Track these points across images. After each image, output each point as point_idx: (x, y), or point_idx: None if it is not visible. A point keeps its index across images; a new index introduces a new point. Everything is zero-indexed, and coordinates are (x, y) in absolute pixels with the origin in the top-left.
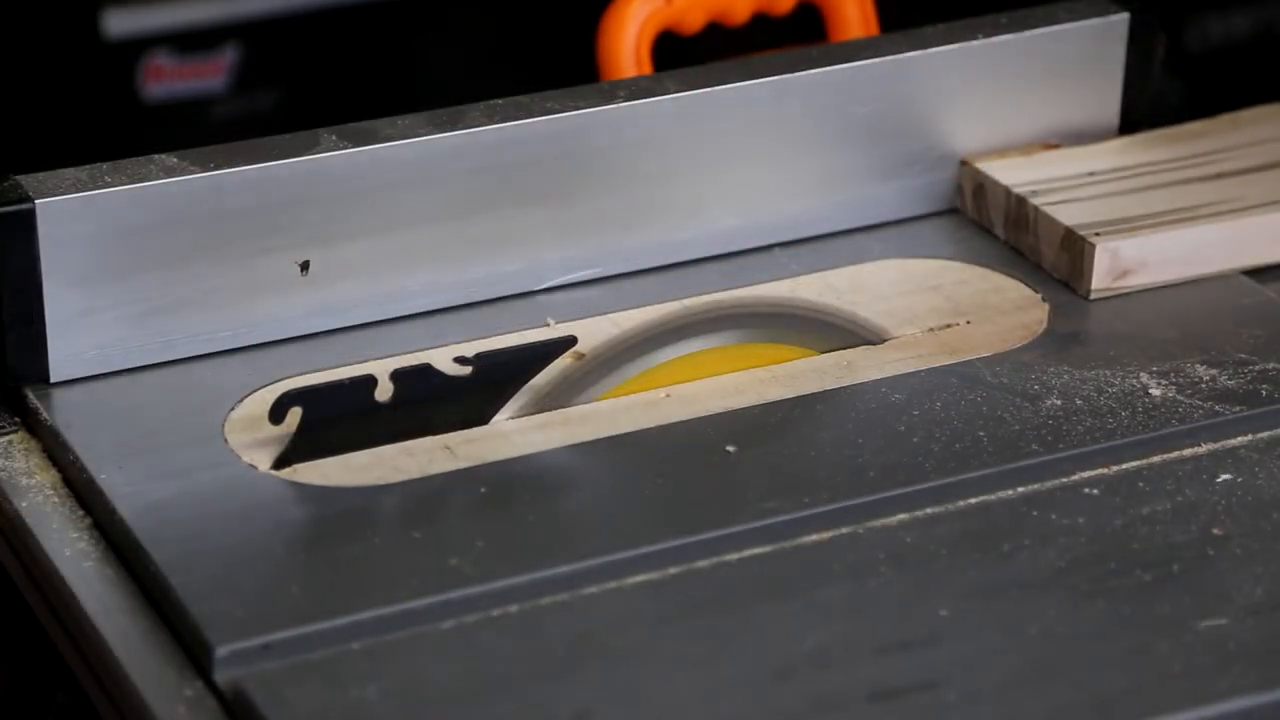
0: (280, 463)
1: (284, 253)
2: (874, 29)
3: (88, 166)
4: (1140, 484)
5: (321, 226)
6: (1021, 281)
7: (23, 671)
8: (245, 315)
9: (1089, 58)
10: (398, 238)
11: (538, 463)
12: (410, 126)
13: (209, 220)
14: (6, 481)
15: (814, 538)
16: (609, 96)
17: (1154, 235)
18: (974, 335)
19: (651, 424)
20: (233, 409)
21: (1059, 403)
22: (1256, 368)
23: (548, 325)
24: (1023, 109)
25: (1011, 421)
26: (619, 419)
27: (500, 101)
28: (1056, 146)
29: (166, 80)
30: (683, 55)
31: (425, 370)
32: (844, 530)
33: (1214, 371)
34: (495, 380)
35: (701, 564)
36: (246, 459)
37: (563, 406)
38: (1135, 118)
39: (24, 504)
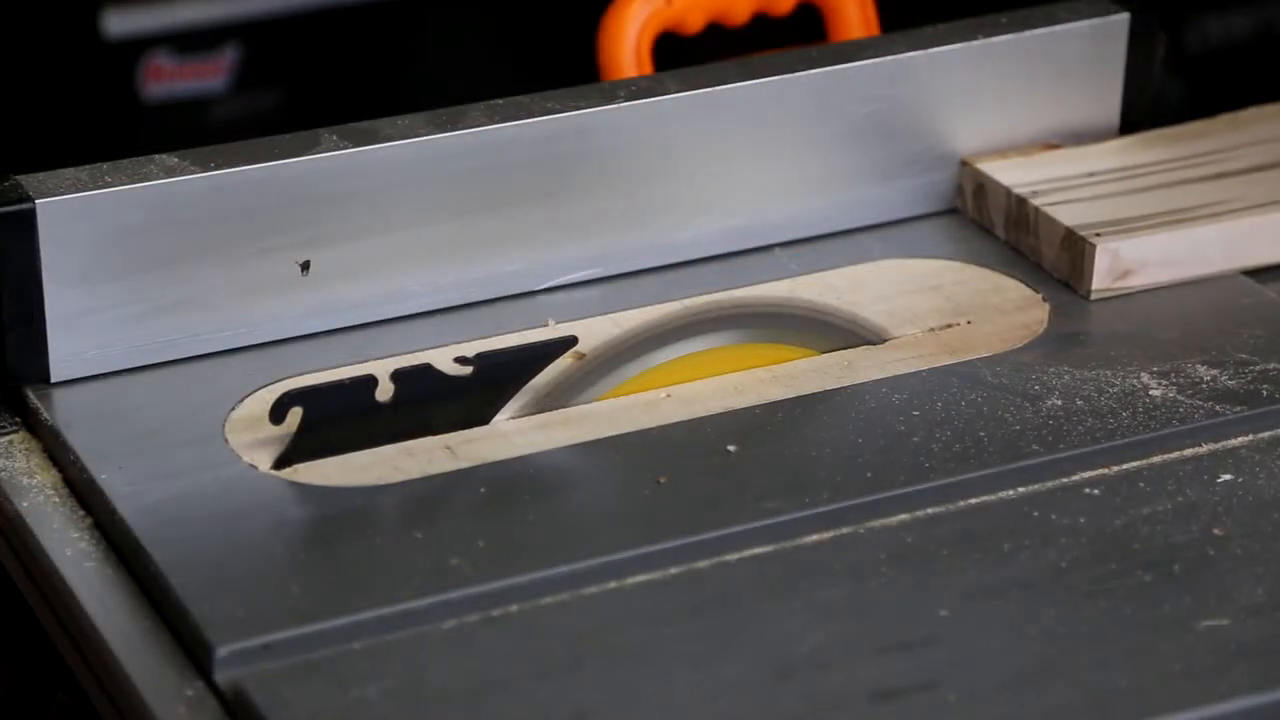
0: (281, 463)
1: (284, 253)
2: (874, 29)
3: (88, 166)
4: (1141, 484)
5: (321, 226)
6: (1022, 281)
7: (23, 671)
8: (245, 315)
9: (1089, 58)
10: (398, 238)
11: (538, 463)
12: (410, 126)
13: (209, 220)
14: (7, 481)
15: (814, 538)
16: (609, 96)
17: (1154, 235)
18: (974, 335)
19: (651, 424)
20: (233, 409)
21: (1059, 403)
22: (1257, 368)
23: (547, 325)
24: (1023, 109)
25: (1012, 421)
26: (619, 419)
27: (500, 101)
28: (1057, 147)
29: (166, 80)
30: (683, 55)
31: (426, 370)
32: (844, 530)
33: (1214, 371)
34: (496, 380)
35: (701, 564)
36: (247, 459)
37: (563, 406)
38: (1135, 118)
39: (24, 504)
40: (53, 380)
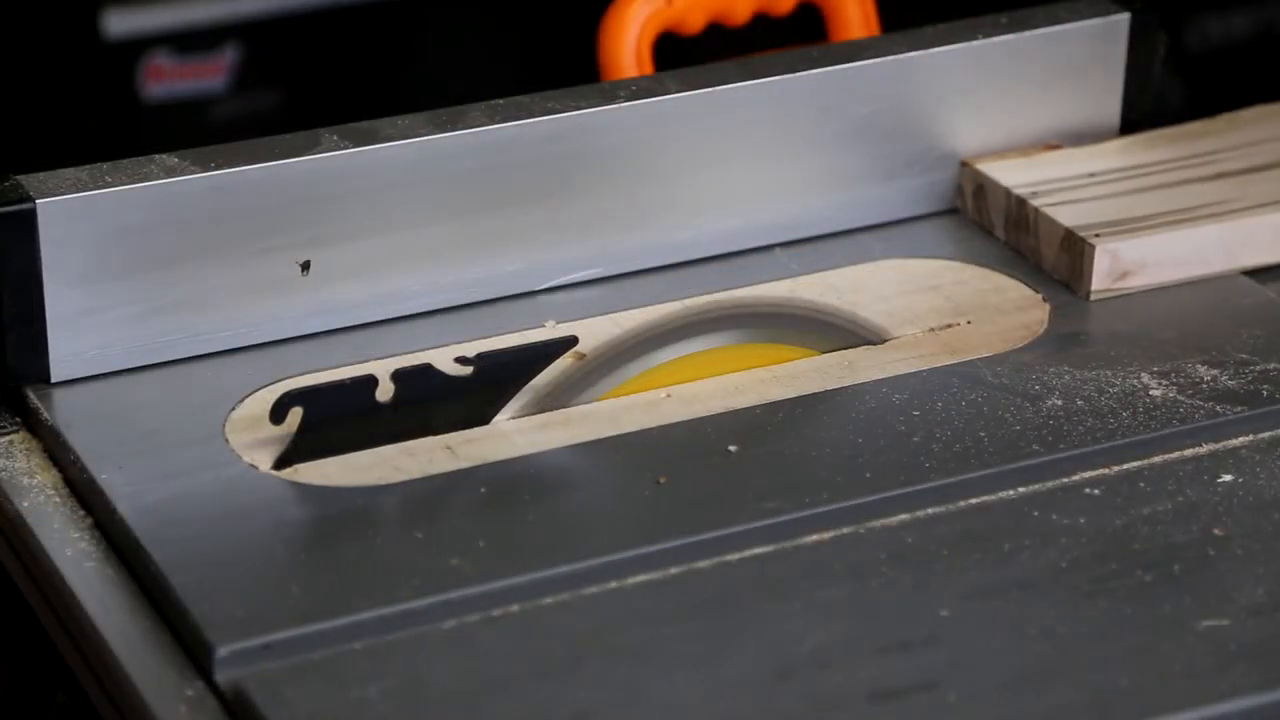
0: (281, 463)
1: (284, 253)
2: (874, 29)
3: (88, 166)
4: (1141, 484)
5: (321, 226)
6: (1022, 281)
7: (23, 671)
8: (245, 315)
9: (1089, 58)
10: (398, 238)
11: (538, 463)
12: (410, 126)
13: (209, 220)
14: (7, 481)
15: (815, 538)
16: (609, 96)
17: (1154, 236)
18: (974, 335)
19: (652, 424)
20: (233, 409)
21: (1060, 403)
22: (1257, 368)
23: (547, 326)
24: (1023, 109)
25: (1012, 421)
26: (619, 419)
27: (500, 101)
28: (1057, 147)
29: (166, 80)
30: (683, 55)
31: (426, 370)
32: (845, 530)
33: (1214, 372)
34: (496, 380)
35: (702, 564)
36: (247, 459)
37: (563, 406)
38: (1135, 118)
39: (25, 504)
40: (53, 380)
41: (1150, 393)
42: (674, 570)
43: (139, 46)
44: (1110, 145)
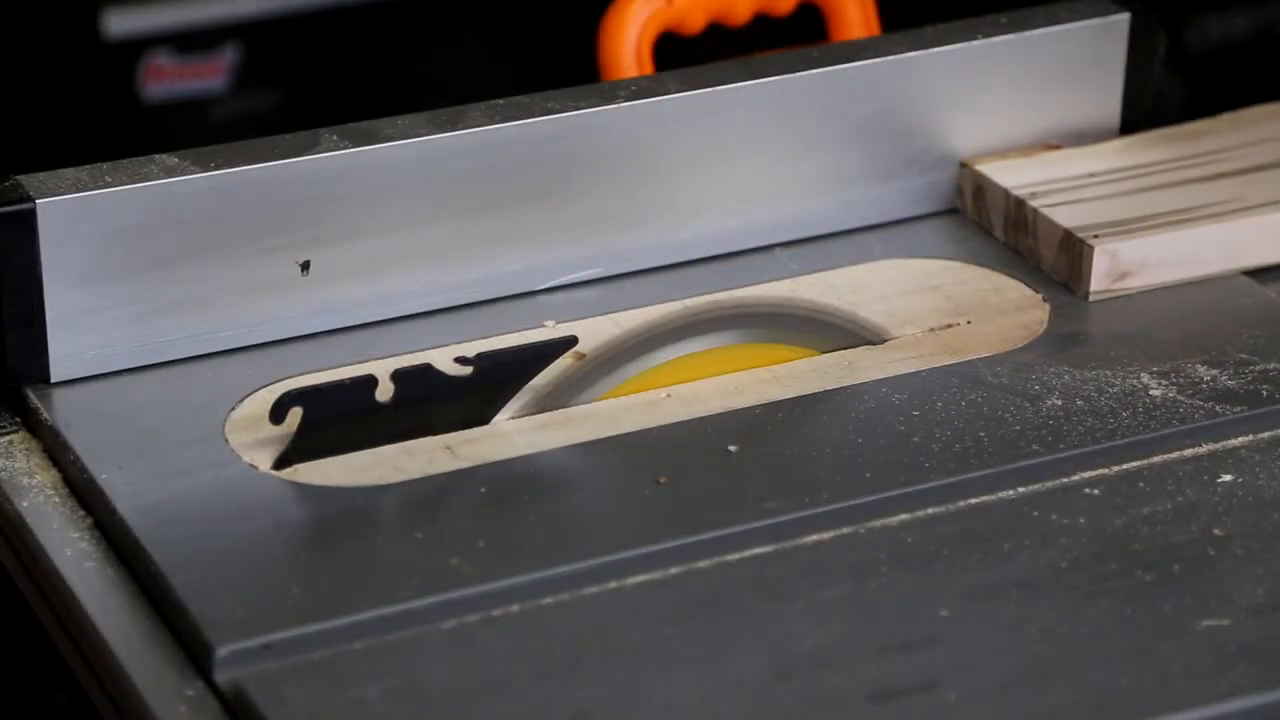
0: (281, 463)
1: (284, 253)
2: (874, 29)
3: (88, 166)
4: (1141, 484)
5: (321, 226)
6: (1022, 281)
7: (23, 671)
8: (245, 315)
9: (1089, 58)
10: (398, 238)
11: (538, 463)
12: (410, 126)
13: (209, 220)
14: (7, 481)
15: (815, 538)
16: (609, 96)
17: (1153, 236)
18: (974, 335)
19: (652, 424)
20: (233, 409)
21: (1059, 403)
22: (1257, 368)
23: (547, 326)
24: (1023, 109)
25: (1012, 422)
26: (619, 419)
27: (500, 101)
28: (1057, 147)
29: (166, 80)
30: (683, 55)
31: (426, 370)
32: (845, 530)
33: (1214, 372)
34: (496, 380)
35: (702, 564)
36: (247, 459)
37: (563, 406)
38: (1135, 118)
39: (25, 504)
40: (53, 380)
41: (1150, 393)
42: (674, 570)
43: (139, 46)
44: (1110, 145)
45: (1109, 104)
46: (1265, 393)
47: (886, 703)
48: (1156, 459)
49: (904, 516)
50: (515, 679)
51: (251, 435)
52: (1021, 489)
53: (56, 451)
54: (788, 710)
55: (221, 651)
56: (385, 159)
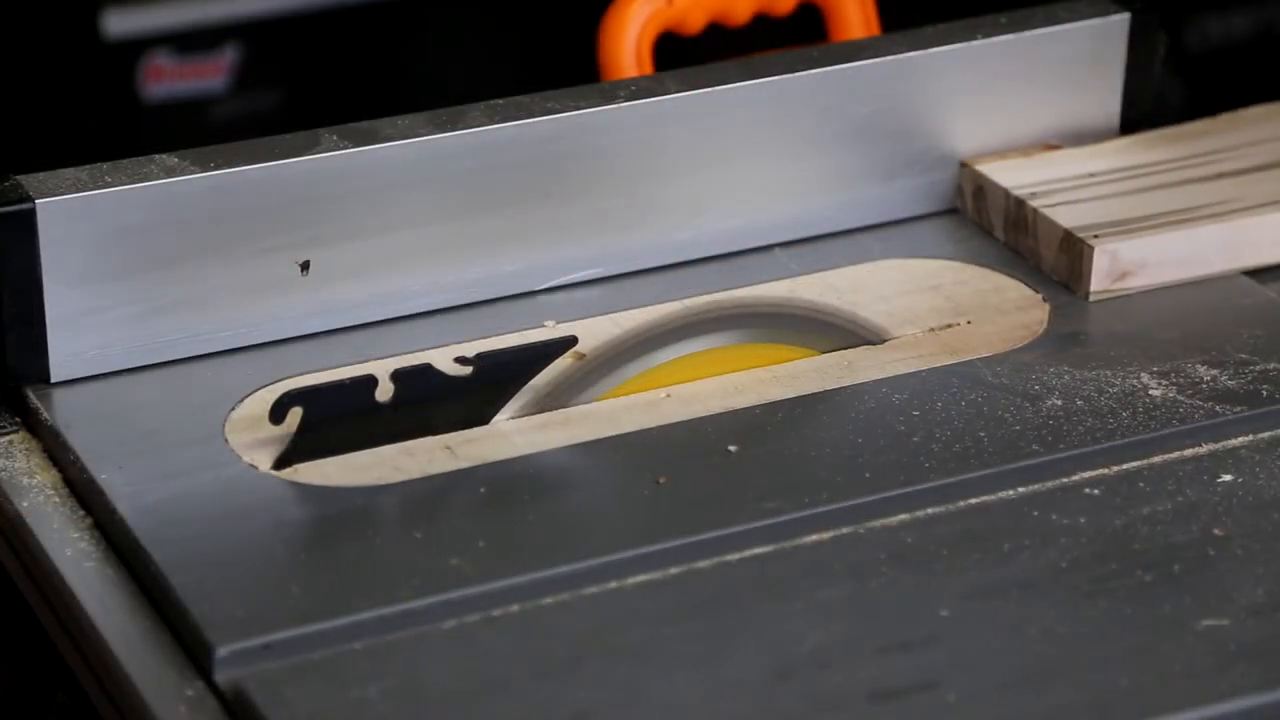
0: (281, 463)
1: (284, 253)
2: (874, 29)
3: (88, 166)
4: (1141, 484)
5: (321, 226)
6: (1022, 281)
7: (23, 671)
8: (245, 315)
9: (1089, 58)
10: (398, 238)
11: (538, 463)
12: (410, 126)
13: (209, 220)
14: (7, 481)
15: (814, 538)
16: (609, 96)
17: (1153, 236)
18: (974, 335)
19: (652, 424)
20: (233, 409)
21: (1059, 403)
22: (1257, 368)
23: (547, 326)
24: (1023, 109)
25: (1012, 421)
26: (619, 419)
27: (500, 101)
28: (1057, 147)
29: (166, 80)
30: (683, 55)
31: (426, 370)
32: (844, 530)
33: (1214, 372)
34: (496, 380)
35: (702, 564)
36: (247, 459)
37: (563, 406)
38: (1135, 118)
39: (25, 504)
40: (53, 380)
41: (1150, 393)
42: (674, 570)
43: (139, 46)
44: (1110, 145)
45: (1109, 104)
46: (1265, 393)
47: (886, 703)
48: (1156, 459)
49: (904, 516)
50: (515, 679)
51: (251, 435)
52: (1021, 489)
53: (56, 451)
54: (788, 710)
55: (221, 651)
56: (385, 159)
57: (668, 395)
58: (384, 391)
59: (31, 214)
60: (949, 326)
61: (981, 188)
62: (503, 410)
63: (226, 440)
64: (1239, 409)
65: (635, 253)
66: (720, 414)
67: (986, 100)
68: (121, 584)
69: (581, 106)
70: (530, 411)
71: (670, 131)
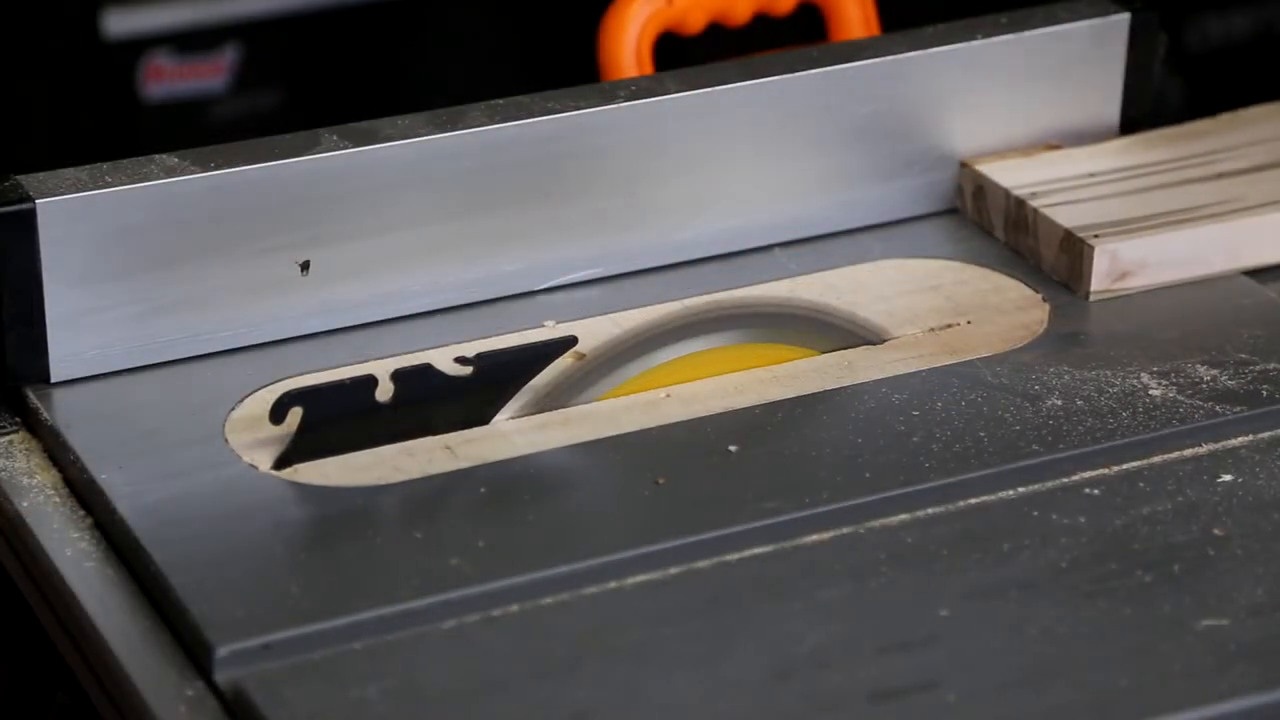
0: (281, 463)
1: (284, 253)
2: (874, 29)
3: (88, 166)
4: (1141, 484)
5: (321, 226)
6: (1022, 281)
7: (23, 671)
8: (245, 315)
9: (1089, 58)
10: (398, 238)
11: (538, 463)
12: (410, 126)
13: (209, 220)
14: (7, 481)
15: (814, 538)
16: (609, 96)
17: (1153, 236)
18: (974, 335)
19: (651, 424)
20: (233, 409)
21: (1059, 403)
22: (1257, 368)
23: (547, 326)
24: (1023, 109)
25: (1012, 421)
26: (619, 419)
27: (500, 101)
28: (1057, 147)
29: (166, 80)
30: (683, 55)
31: (426, 370)
32: (844, 530)
33: (1214, 372)
34: (496, 380)
35: (701, 564)
36: (247, 459)
37: (563, 406)
38: (1135, 118)
39: (24, 504)
40: (53, 380)
41: (1150, 393)
42: (674, 570)
43: (139, 46)
44: (1110, 145)
45: (1109, 104)
46: (1265, 393)
47: (886, 703)
48: (1156, 459)
49: (904, 516)
50: (515, 679)
51: (251, 435)
52: (1021, 489)
53: (56, 451)
54: (788, 710)
55: (221, 651)
56: (385, 159)
57: (668, 395)
58: (384, 391)
59: (31, 214)
60: (949, 326)
61: (981, 187)
62: (503, 410)
63: (226, 440)
64: (1239, 409)
65: (635, 253)
66: (720, 414)
67: (986, 100)
68: (121, 584)
69: (581, 106)
70: (530, 411)
71: (670, 131)
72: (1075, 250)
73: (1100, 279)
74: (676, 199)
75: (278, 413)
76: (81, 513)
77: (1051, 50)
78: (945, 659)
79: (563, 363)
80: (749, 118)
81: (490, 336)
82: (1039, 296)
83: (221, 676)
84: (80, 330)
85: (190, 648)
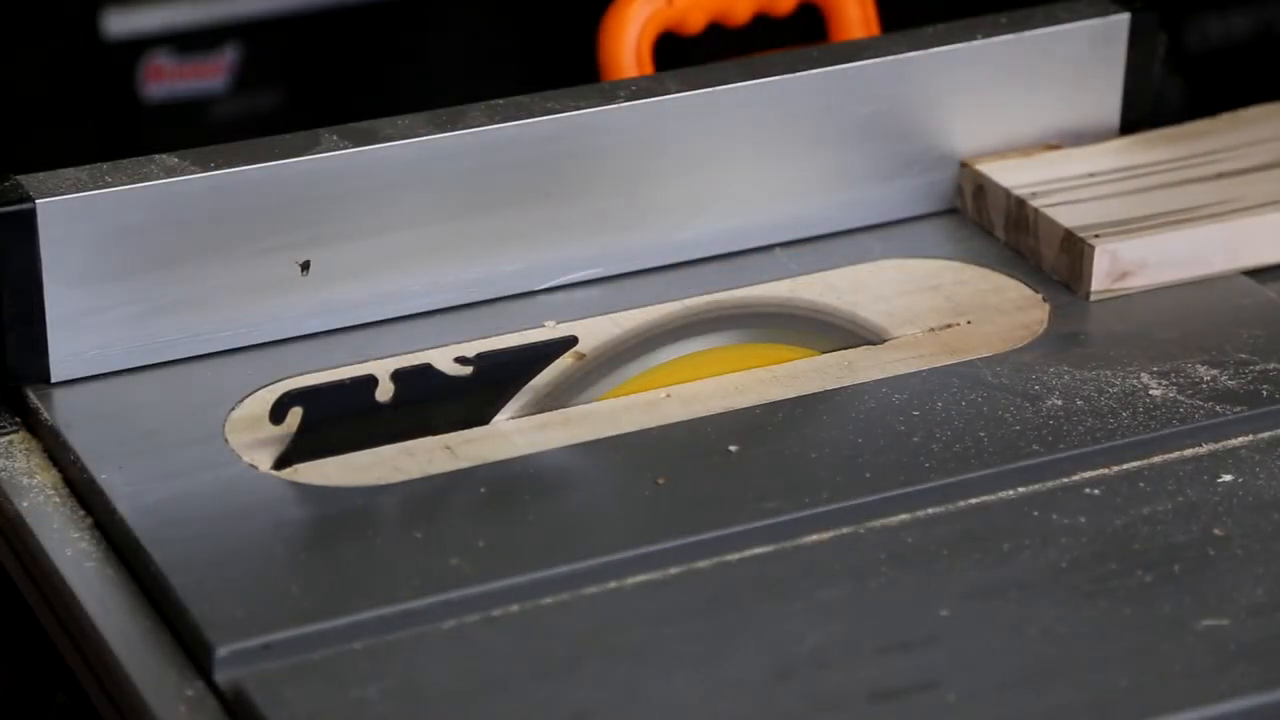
0: (281, 463)
1: (284, 253)
2: (874, 29)
3: (88, 166)
4: (1141, 484)
5: (321, 226)
6: (1022, 281)
7: (23, 671)
8: (245, 315)
9: (1089, 58)
10: (398, 238)
11: (538, 463)
12: (410, 126)
13: (209, 220)
14: (7, 481)
15: (814, 538)
16: (609, 96)
17: (1154, 236)
18: (974, 335)
19: (652, 424)
20: (233, 409)
21: (1060, 403)
22: (1257, 368)
23: (547, 326)
24: (1023, 109)
25: (1012, 421)
26: (619, 419)
27: (500, 101)
28: (1057, 147)
29: (166, 80)
30: (683, 55)
31: (426, 370)
32: (844, 530)
33: (1214, 372)
34: (496, 380)
35: (701, 564)
36: (247, 459)
37: (563, 406)
38: (1135, 118)
39: (25, 504)
40: (53, 380)
41: (1150, 393)
42: (674, 570)
43: (139, 46)
44: (1110, 145)
45: (1109, 104)
46: (1265, 393)
47: (886, 703)
48: (1156, 459)
49: (904, 516)
50: (515, 679)
51: (251, 435)
52: (1021, 489)
53: (56, 451)
54: (788, 710)
55: (221, 651)
56: (385, 159)
57: (668, 395)
58: (384, 391)
59: (31, 214)
60: (949, 326)
61: (982, 187)
62: (503, 410)
63: (226, 440)
64: (1239, 409)
65: (635, 253)
66: (720, 414)
67: (986, 100)
68: (121, 584)
69: (581, 106)
70: (530, 411)
71: (670, 131)
72: (1076, 250)
73: (1100, 279)
74: (676, 199)
75: (278, 413)
76: (81, 513)
77: (1051, 50)
78: (945, 659)
79: (563, 363)
80: (749, 118)
81: (490, 336)
82: (1039, 296)
83: (221, 676)
84: (80, 330)
85: (190, 648)
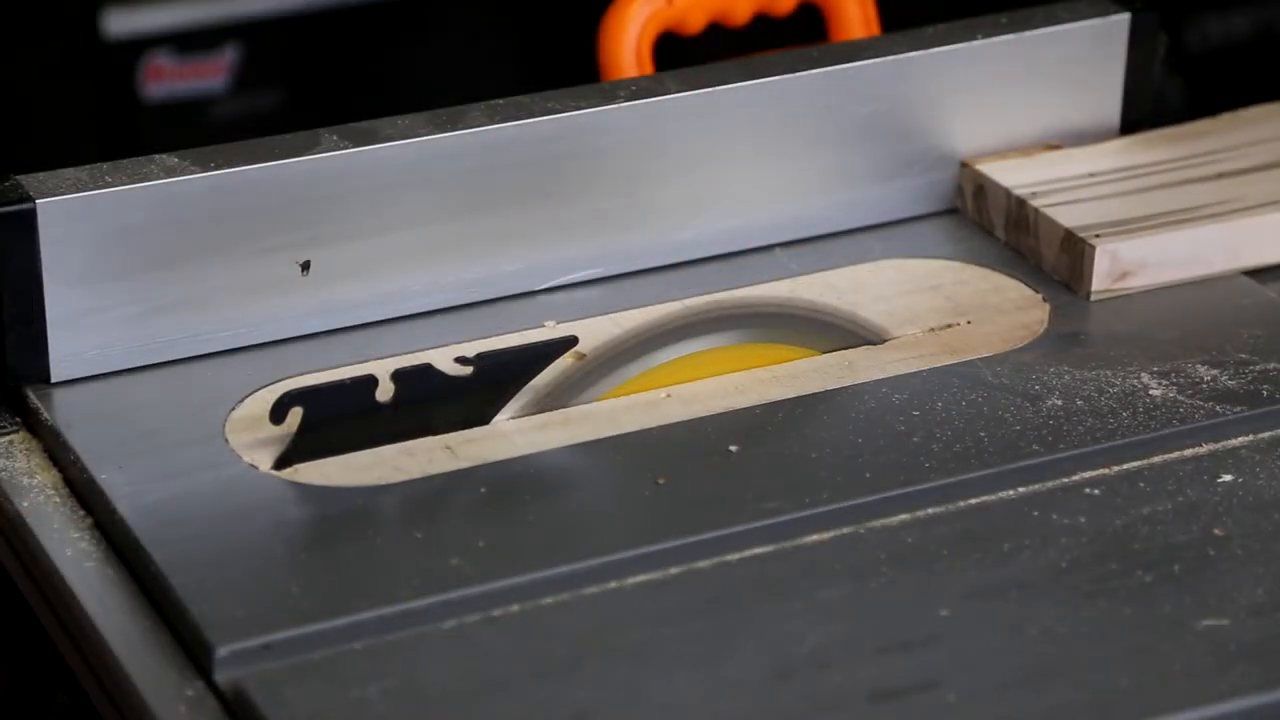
0: (281, 463)
1: (284, 253)
2: (875, 29)
3: (88, 166)
4: (1141, 484)
5: (321, 226)
6: (1022, 281)
7: (23, 671)
8: (245, 315)
9: (1089, 58)
10: (398, 238)
11: (538, 463)
12: (410, 126)
13: (209, 220)
14: (7, 481)
15: (815, 538)
16: (609, 96)
17: (1154, 236)
18: (974, 335)
19: (652, 424)
20: (233, 409)
21: (1060, 403)
22: (1257, 368)
23: (547, 326)
24: (1023, 109)
25: (1012, 421)
26: (619, 419)
27: (500, 101)
28: (1057, 147)
29: (166, 80)
30: (683, 55)
31: (426, 370)
32: (845, 530)
33: (1215, 372)
34: (496, 380)
35: (702, 564)
36: (247, 459)
37: (563, 406)
38: (1135, 118)
39: (25, 504)
40: (53, 380)
41: (1150, 393)
42: (674, 570)
43: (139, 46)
44: (1110, 145)
45: (1109, 104)
46: (1265, 393)
47: (886, 703)
48: (1156, 459)
49: (904, 516)
50: (515, 679)
51: (251, 435)
52: (1021, 489)
53: (56, 451)
54: (788, 710)
55: (221, 651)
56: (385, 159)
57: (668, 395)
58: (384, 391)
59: (31, 214)
60: (949, 326)
61: (982, 187)
62: (503, 410)
63: (226, 440)
64: (1239, 409)
65: (635, 253)
66: (720, 414)
67: (986, 100)
68: (121, 584)
69: (581, 106)
70: (530, 411)
71: (670, 131)
72: (1076, 250)
73: (1101, 279)
74: (676, 199)
75: (278, 413)
76: (81, 513)
77: (1051, 50)
78: (945, 659)
79: (563, 363)
80: (749, 118)
81: (490, 336)
82: (1039, 296)
83: (221, 676)
84: (80, 330)
85: (190, 648)
